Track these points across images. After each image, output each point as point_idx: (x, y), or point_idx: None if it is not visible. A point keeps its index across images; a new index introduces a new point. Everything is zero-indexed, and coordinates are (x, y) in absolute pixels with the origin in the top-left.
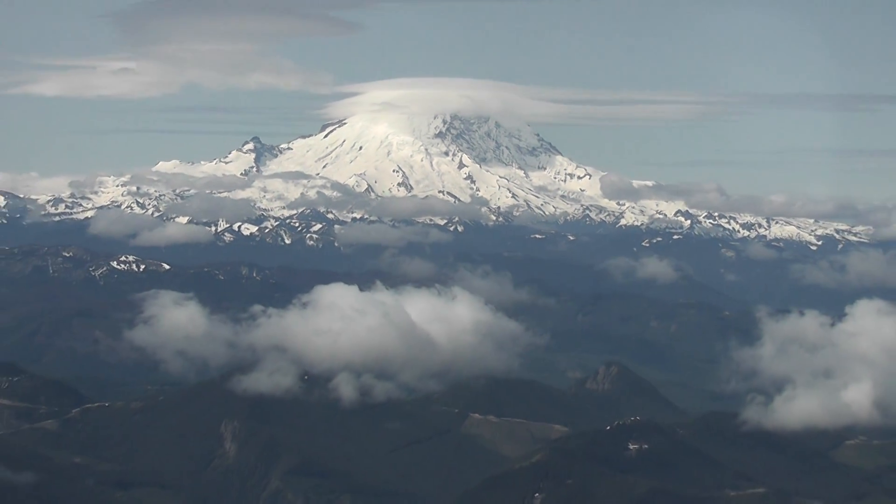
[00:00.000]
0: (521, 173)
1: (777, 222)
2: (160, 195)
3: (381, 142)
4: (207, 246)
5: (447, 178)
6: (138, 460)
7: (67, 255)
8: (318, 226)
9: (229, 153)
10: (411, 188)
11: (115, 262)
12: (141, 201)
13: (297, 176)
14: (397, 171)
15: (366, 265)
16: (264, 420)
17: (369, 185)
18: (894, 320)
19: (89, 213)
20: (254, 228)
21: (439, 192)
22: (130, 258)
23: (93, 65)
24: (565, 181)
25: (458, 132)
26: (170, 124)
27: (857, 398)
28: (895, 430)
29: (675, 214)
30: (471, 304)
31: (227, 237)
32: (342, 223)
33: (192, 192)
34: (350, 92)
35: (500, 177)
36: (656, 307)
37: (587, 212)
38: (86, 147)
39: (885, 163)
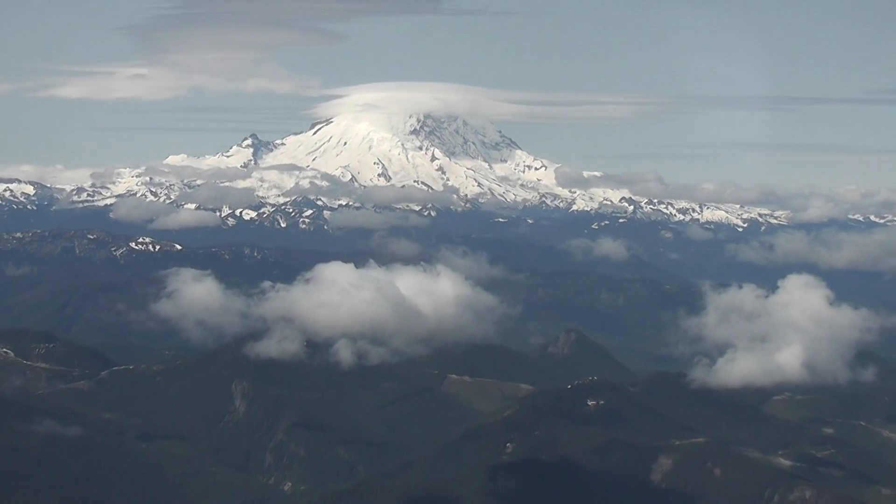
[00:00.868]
0: (486, 165)
1: (708, 207)
2: (171, 185)
3: (363, 138)
4: (214, 229)
5: (421, 169)
6: (160, 416)
7: (91, 237)
8: (310, 211)
9: (230, 148)
10: (390, 178)
11: (133, 244)
12: (154, 190)
13: (290, 168)
14: (377, 164)
15: (354, 246)
16: (271, 381)
17: (353, 176)
18: (820, 292)
19: (108, 201)
20: (253, 214)
21: (414, 181)
22: (147, 240)
23: (111, 71)
24: (524, 172)
25: (431, 129)
26: (178, 123)
27: (788, 360)
28: (819, 387)
29: (619, 201)
30: (452, 279)
31: (231, 221)
32: (331, 209)
33: (198, 182)
34: (336, 94)
35: (468, 168)
36: (606, 282)
37: (543, 199)
38: (105, 143)
39: (802, 156)
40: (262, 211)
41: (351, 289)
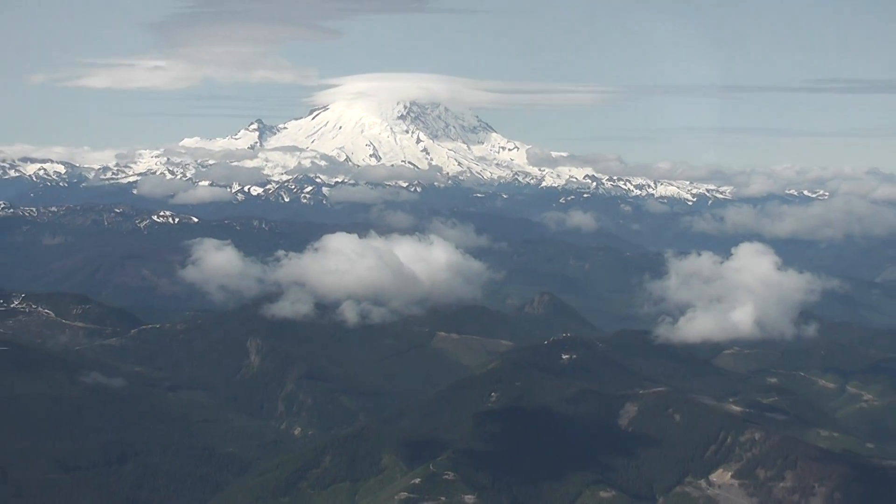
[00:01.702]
0: (465, 147)
1: (662, 184)
2: (186, 164)
3: (356, 122)
4: (226, 204)
5: (408, 150)
6: (184, 369)
7: (118, 211)
8: (310, 188)
9: (239, 132)
10: (380, 158)
11: (155, 217)
12: (171, 169)
13: (291, 149)
14: (369, 146)
15: (351, 219)
16: (282, 338)
17: (347, 156)
18: (768, 259)
19: (131, 179)
20: (260, 190)
21: (402, 161)
22: (167, 213)
23: (133, 63)
24: (499, 153)
25: (416, 115)
26: (192, 109)
27: (741, 318)
28: (768, 342)
29: (584, 178)
30: (444, 248)
31: (240, 197)
32: (329, 186)
33: (211, 162)
34: (332, 84)
35: (449, 149)
36: (574, 250)
37: (516, 176)
38: (127, 127)
39: (744, 138)
40: (267, 187)
41: (355, 256)
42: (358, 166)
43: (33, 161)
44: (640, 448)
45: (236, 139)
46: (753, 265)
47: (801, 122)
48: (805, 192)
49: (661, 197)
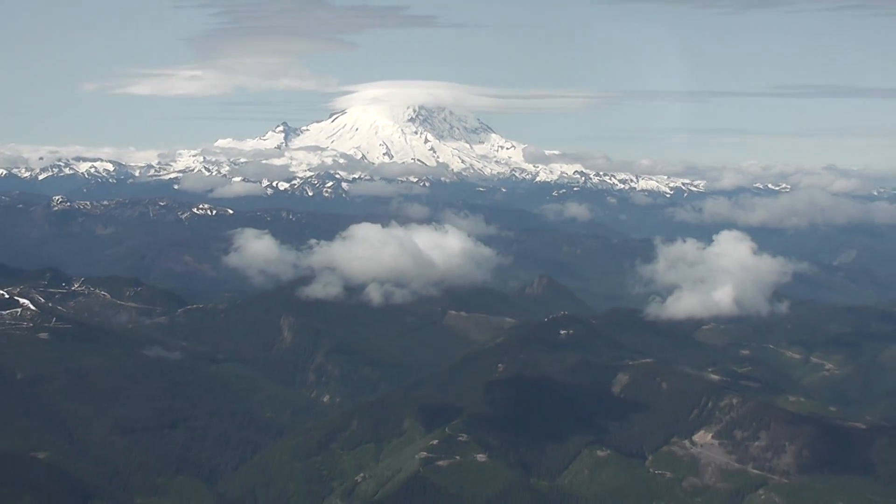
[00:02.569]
0: (468, 146)
1: (643, 178)
2: (221, 162)
3: (370, 125)
4: (257, 197)
5: (417, 149)
6: (224, 344)
7: (162, 204)
8: (331, 183)
9: (266, 133)
10: (392, 157)
11: (195, 209)
12: (207, 167)
13: (314, 149)
14: (382, 145)
15: (369, 210)
16: (311, 316)
17: (363, 155)
18: (745, 245)
19: (172, 175)
20: (287, 185)
21: (412, 159)
22: (206, 206)
23: (172, 73)
24: (498, 151)
25: (424, 118)
26: (225, 114)
27: (722, 297)
28: (744, 318)
29: (573, 173)
30: (458, 236)
31: (269, 191)
32: (348, 181)
33: (242, 160)
34: (349, 90)
35: (453, 148)
36: (566, 238)
37: (513, 172)
38: (167, 129)
39: (715, 137)
40: (293, 182)
41: (379, 244)
42: (373, 164)
43: (85, 160)
44: (632, 412)
45: (264, 140)
46: (732, 250)
47: (766, 123)
48: (770, 186)
49: (643, 190)
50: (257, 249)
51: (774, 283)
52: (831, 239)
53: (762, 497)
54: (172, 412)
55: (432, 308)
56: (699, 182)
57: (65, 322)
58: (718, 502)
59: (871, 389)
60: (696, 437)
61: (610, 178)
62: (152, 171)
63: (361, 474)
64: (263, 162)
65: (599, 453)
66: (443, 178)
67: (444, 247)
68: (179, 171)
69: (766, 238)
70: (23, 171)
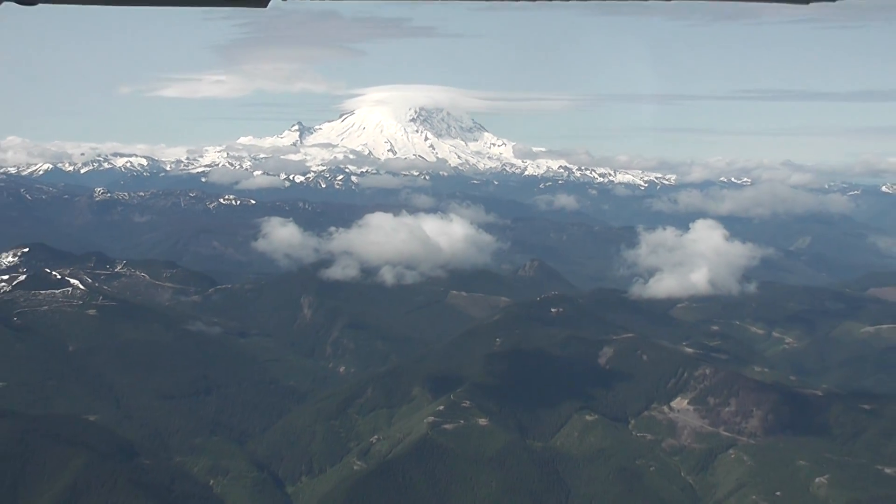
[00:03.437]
0: (463, 143)
1: (620, 172)
2: (243, 158)
3: (376, 124)
4: (276, 189)
5: (418, 146)
6: (251, 320)
7: (192, 195)
8: (341, 176)
9: (283, 132)
10: (396, 153)
11: (221, 199)
12: (231, 162)
13: (326, 145)
14: (387, 143)
15: (377, 201)
16: (329, 295)
17: (370, 151)
18: (718, 232)
19: (199, 169)
20: (302, 178)
21: (413, 155)
22: (231, 196)
23: (199, 78)
24: (490, 148)
25: (424, 118)
26: (246, 114)
27: (698, 279)
28: (718, 297)
29: (558, 168)
30: (461, 224)
31: (287, 184)
32: (357, 175)
33: (262, 156)
34: (357, 93)
35: (450, 145)
36: (554, 225)
37: (504, 167)
38: (194, 128)
39: (684, 136)
40: (308, 176)
41: (391, 231)
42: (379, 159)
43: (122, 155)
44: (616, 381)
45: (282, 138)
46: (706, 237)
47: (729, 123)
48: (733, 179)
49: (621, 183)
50: (282, 236)
51: (744, 267)
52: (790, 227)
53: (732, 456)
54: (206, 380)
55: (438, 288)
56: (671, 176)
57: (110, 300)
58: (694, 461)
59: (826, 361)
60: (673, 404)
61: (591, 172)
62: (181, 166)
63: (376, 436)
64: (281, 157)
65: (588, 418)
66: (441, 173)
67: (450, 233)
68: (206, 166)
69: (733, 226)
70: (66, 165)
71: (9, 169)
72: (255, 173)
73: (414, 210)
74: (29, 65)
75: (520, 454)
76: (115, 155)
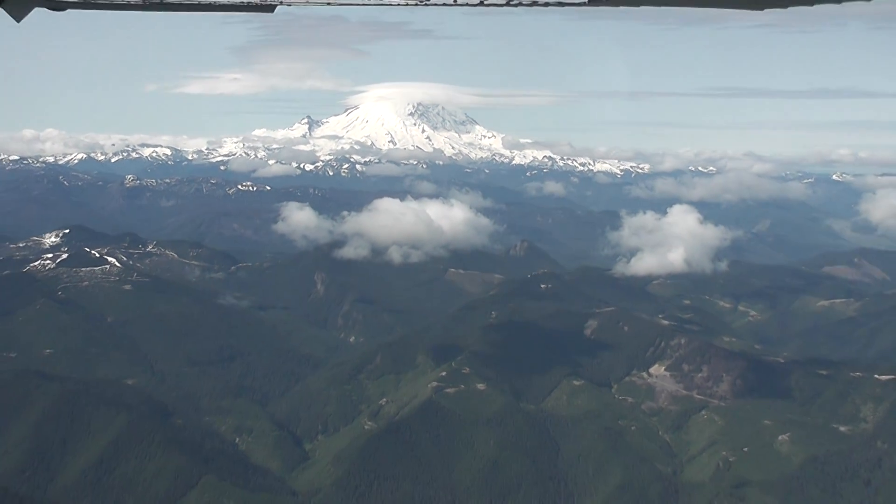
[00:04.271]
0: (457, 135)
1: (599, 162)
2: (258, 148)
3: (378, 117)
4: (288, 177)
5: (415, 138)
6: (270, 294)
7: (213, 182)
8: (347, 165)
9: (294, 125)
10: (396, 144)
11: (240, 186)
12: (247, 152)
13: (333, 137)
14: (388, 135)
15: (381, 187)
16: (341, 273)
17: (373, 142)
18: (693, 216)
19: (219, 159)
20: (311, 166)
21: (412, 146)
22: (248, 183)
23: (218, 76)
24: (481, 140)
25: (421, 112)
26: (260, 108)
27: (675, 258)
28: (692, 275)
29: (542, 158)
30: (462, 208)
31: (298, 172)
32: (361, 163)
33: (275, 146)
34: (361, 90)
35: (445, 137)
36: (538, 209)
37: (494, 157)
38: (214, 121)
39: (656, 129)
40: (317, 164)
41: (399, 214)
42: (381, 149)
43: (148, 146)
44: (600, 350)
45: (292, 130)
46: (682, 221)
47: (697, 117)
48: (700, 169)
49: (600, 171)
50: (300, 219)
51: (716, 248)
52: (754, 211)
53: (704, 417)
54: (231, 349)
55: (439, 266)
56: (645, 165)
57: (143, 276)
58: (670, 421)
59: (786, 331)
60: (651, 370)
61: (572, 162)
62: (202, 156)
63: (384, 399)
64: (293, 148)
65: (575, 383)
66: (438, 162)
67: (451, 217)
68: (224, 156)
69: (704, 210)
70: (98, 155)
71: (48, 158)
72: (270, 162)
73: (418, 196)
74: (64, 65)
75: (514, 416)
76: (143, 145)
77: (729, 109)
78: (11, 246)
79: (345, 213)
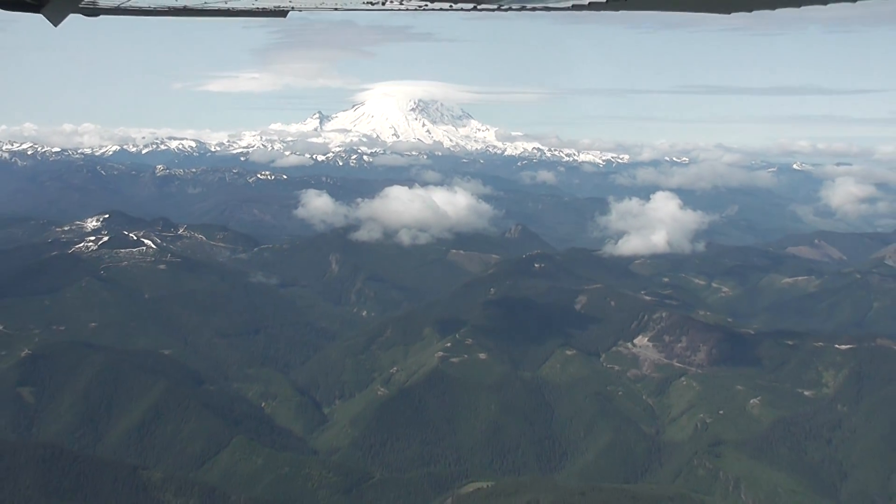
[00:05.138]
0: (454, 129)
1: (583, 153)
2: (274, 140)
3: (383, 113)
4: (302, 167)
5: (416, 131)
6: (288, 273)
7: (235, 171)
8: (355, 156)
9: (307, 119)
10: (399, 137)
11: (259, 175)
12: (265, 144)
13: (342, 131)
14: (391, 128)
15: (387, 176)
16: (354, 254)
17: (378, 135)
18: (674, 201)
19: (239, 150)
20: (322, 157)
21: (414, 139)
22: (267, 172)
23: (238, 75)
24: (476, 133)
25: (422, 108)
26: (276, 105)
27: (658, 240)
28: (673, 255)
29: (532, 149)
30: (465, 195)
31: (310, 163)
32: (368, 155)
33: (290, 139)
34: (368, 88)
35: (444, 131)
36: (530, 196)
37: (488, 148)
38: (234, 116)
39: (634, 123)
40: (328, 155)
41: (408, 201)
42: (386, 142)
43: (175, 139)
44: (589, 323)
45: (305, 125)
46: (664, 206)
47: (671, 112)
48: (674, 159)
49: (584, 161)
50: (318, 205)
51: (694, 230)
52: (725, 197)
53: (683, 383)
54: (255, 322)
55: (443, 248)
56: (625, 156)
57: (176, 257)
58: (653, 387)
59: (755, 306)
60: (636, 341)
61: (559, 153)
62: (224, 147)
63: (395, 367)
64: (307, 140)
65: (567, 352)
66: (437, 153)
67: (455, 203)
68: (244, 147)
69: (681, 196)
70: (130, 147)
71: (86, 150)
72: (286, 153)
73: (424, 184)
74: (98, 65)
75: (513, 382)
76: (170, 138)
77: (700, 105)
78: (57, 229)
79: (359, 199)
